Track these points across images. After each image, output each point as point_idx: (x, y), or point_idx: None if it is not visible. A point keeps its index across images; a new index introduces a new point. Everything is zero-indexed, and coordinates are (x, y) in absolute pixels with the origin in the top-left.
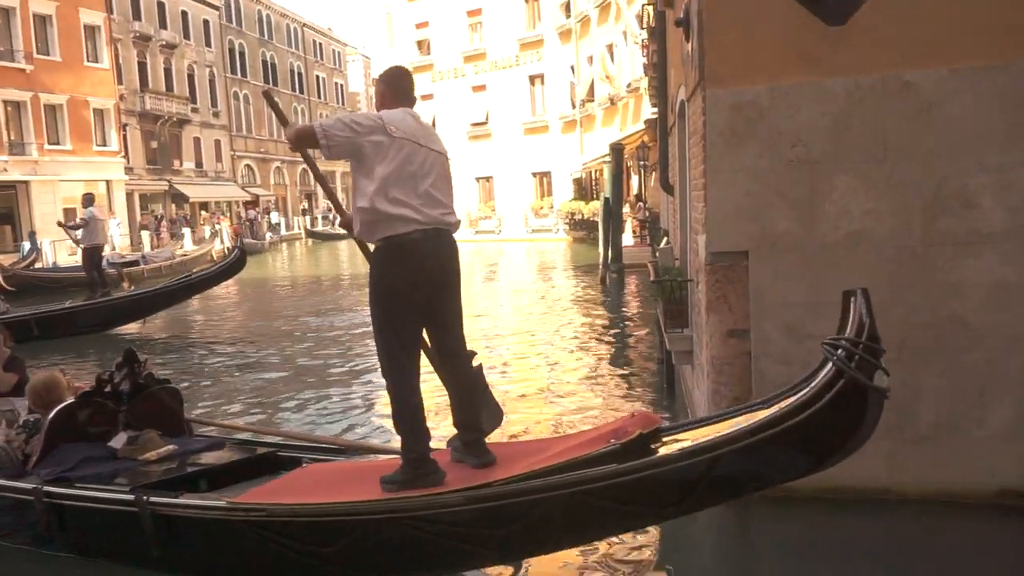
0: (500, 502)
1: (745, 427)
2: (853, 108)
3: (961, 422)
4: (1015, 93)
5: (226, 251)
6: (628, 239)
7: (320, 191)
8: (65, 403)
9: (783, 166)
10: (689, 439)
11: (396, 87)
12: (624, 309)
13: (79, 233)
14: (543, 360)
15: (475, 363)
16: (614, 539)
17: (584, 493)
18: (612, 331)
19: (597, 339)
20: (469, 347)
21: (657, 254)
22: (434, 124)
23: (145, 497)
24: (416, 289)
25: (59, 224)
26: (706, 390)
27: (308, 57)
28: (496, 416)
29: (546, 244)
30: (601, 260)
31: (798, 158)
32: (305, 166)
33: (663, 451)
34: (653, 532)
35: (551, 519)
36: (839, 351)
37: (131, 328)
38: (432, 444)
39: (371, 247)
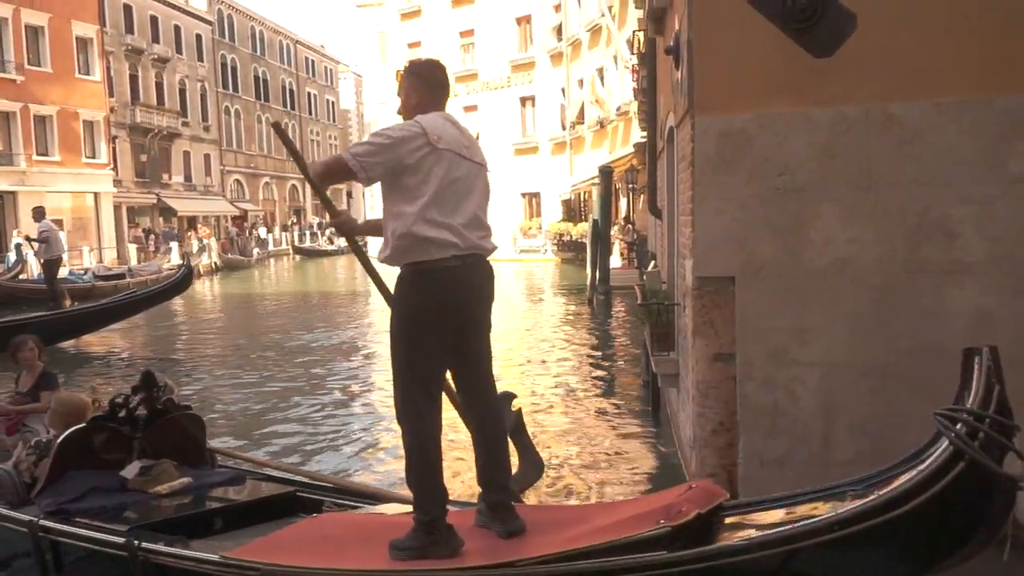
0: None
1: (833, 516)
2: (838, 138)
3: None
4: (997, 127)
5: (213, 266)
6: (616, 261)
7: (310, 200)
8: (75, 428)
9: (770, 193)
10: (758, 523)
11: (431, 81)
12: (611, 331)
13: (42, 247)
14: (528, 381)
15: (514, 407)
16: None
17: None
18: (598, 353)
19: (583, 360)
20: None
21: (644, 277)
22: None
23: (136, 543)
24: (445, 322)
25: (26, 239)
26: (691, 413)
27: (300, 74)
28: (536, 468)
29: (534, 265)
30: (589, 282)
31: (784, 186)
32: (294, 181)
33: (725, 536)
34: None
35: None
36: (958, 425)
37: (68, 344)
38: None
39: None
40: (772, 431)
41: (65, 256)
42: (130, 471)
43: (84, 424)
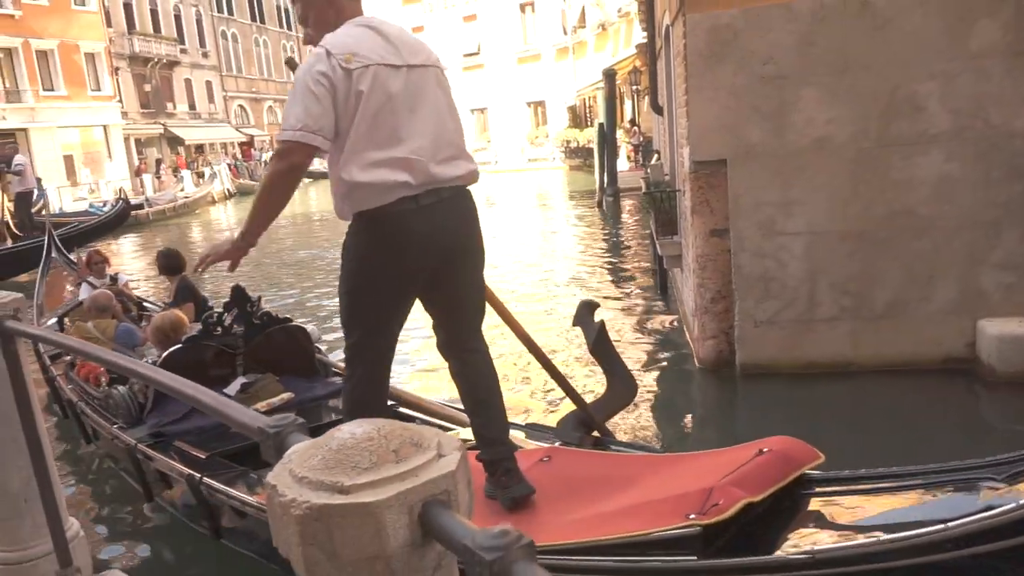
0: None
1: (960, 525)
2: (817, 26)
3: (911, 301)
4: (958, 8)
5: (227, 192)
6: (623, 164)
7: None
8: (172, 349)
9: (756, 82)
10: (848, 516)
11: None
12: (620, 229)
13: (16, 180)
14: (545, 276)
15: (597, 319)
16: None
17: None
18: (610, 248)
19: (596, 256)
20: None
21: (649, 170)
22: None
23: (198, 477)
24: (404, 280)
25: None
26: (692, 286)
27: None
28: (627, 390)
29: (543, 173)
30: (597, 185)
31: (769, 74)
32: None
33: (799, 528)
34: (648, 408)
35: None
36: None
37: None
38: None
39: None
40: (763, 295)
41: (36, 190)
42: (232, 388)
43: (180, 345)
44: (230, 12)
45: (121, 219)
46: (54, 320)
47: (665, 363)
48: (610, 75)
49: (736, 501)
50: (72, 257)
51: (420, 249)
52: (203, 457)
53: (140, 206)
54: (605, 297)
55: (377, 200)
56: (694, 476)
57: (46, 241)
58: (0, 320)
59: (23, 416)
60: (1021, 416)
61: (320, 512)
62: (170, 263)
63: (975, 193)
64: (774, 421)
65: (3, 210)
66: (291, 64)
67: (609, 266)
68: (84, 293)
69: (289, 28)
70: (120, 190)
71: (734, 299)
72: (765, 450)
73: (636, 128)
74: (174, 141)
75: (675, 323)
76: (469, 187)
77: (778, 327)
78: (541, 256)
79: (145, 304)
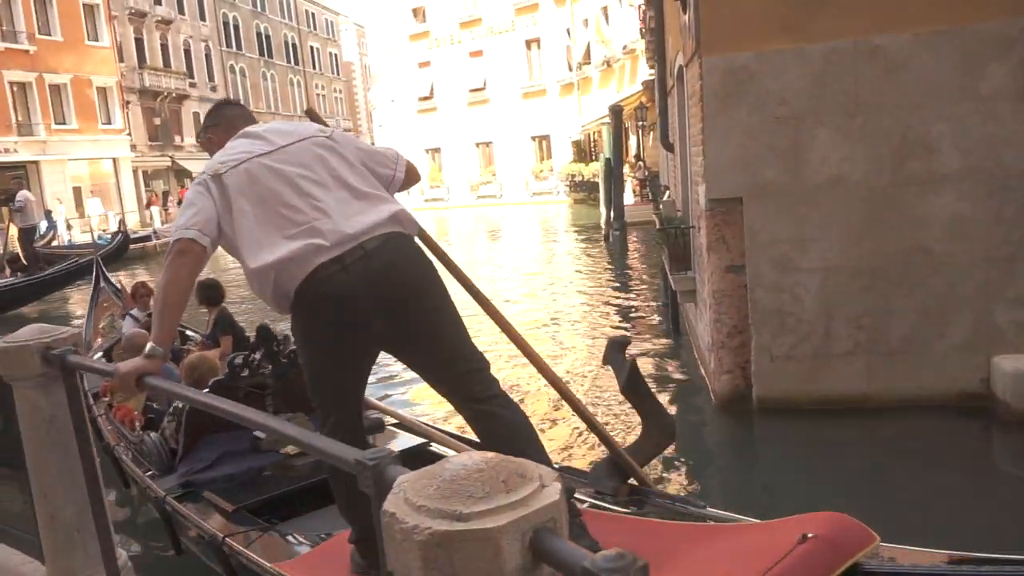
0: None
1: None
2: (830, 69)
3: (926, 337)
4: (967, 52)
5: None
6: (629, 198)
7: None
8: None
9: (771, 122)
10: None
11: (220, 120)
12: (627, 262)
13: (17, 215)
14: (551, 312)
15: (628, 356)
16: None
17: None
18: (617, 282)
19: (605, 290)
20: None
21: (661, 206)
22: (432, 92)
23: (221, 536)
24: (353, 347)
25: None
26: (708, 321)
27: (301, 28)
28: (664, 431)
29: (548, 207)
30: (603, 219)
31: (783, 115)
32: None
33: None
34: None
35: None
36: None
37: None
38: None
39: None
40: (779, 330)
41: (43, 225)
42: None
43: (207, 390)
44: (239, 47)
45: (120, 251)
46: (100, 354)
47: (681, 398)
48: (616, 111)
49: None
50: (117, 286)
51: (360, 308)
52: (230, 510)
53: (147, 238)
54: (616, 332)
55: (300, 271)
56: (729, 561)
57: (94, 272)
58: (63, 354)
59: (81, 448)
60: None
61: (442, 538)
62: (211, 294)
63: (988, 231)
64: (792, 458)
65: (7, 242)
66: (311, 114)
67: (619, 301)
68: (128, 326)
69: (296, 63)
70: (121, 222)
71: (750, 334)
72: (810, 535)
73: (641, 163)
74: (181, 173)
75: (689, 358)
76: (403, 231)
77: (794, 361)
78: (546, 291)
79: (187, 333)
